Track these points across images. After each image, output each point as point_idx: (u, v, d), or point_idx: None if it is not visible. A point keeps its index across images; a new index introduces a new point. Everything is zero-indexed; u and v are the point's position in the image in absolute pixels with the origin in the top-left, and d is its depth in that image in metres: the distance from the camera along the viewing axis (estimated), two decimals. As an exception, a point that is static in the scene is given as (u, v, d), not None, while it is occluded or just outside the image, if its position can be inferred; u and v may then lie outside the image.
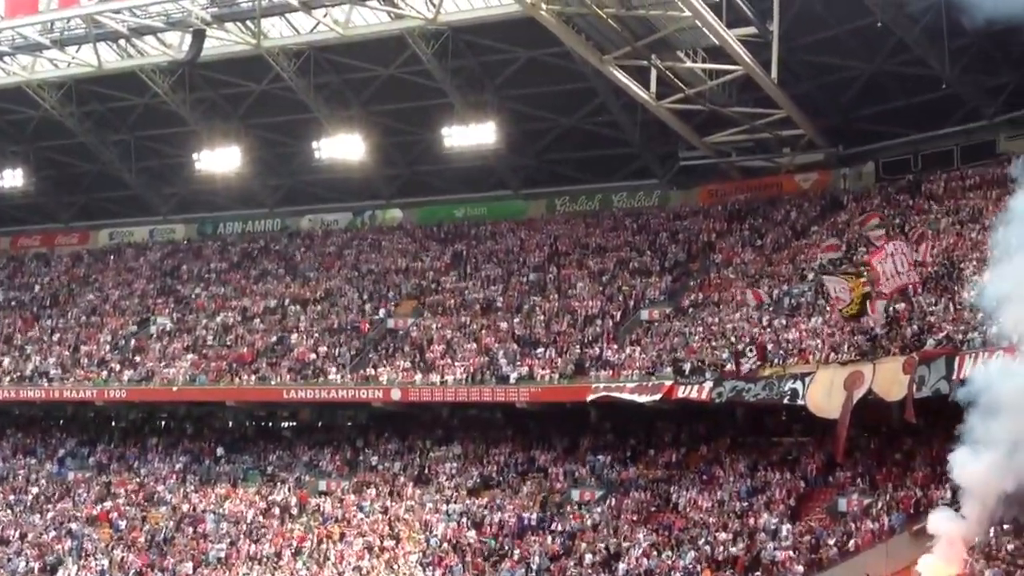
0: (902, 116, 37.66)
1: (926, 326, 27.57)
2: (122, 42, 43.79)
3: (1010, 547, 21.83)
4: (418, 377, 38.37)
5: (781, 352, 30.83)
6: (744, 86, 36.66)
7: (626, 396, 33.62)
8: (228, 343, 43.86)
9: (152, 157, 51.24)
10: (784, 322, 32.65)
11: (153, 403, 44.39)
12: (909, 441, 29.14)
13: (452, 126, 42.92)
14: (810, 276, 34.37)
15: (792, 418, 32.39)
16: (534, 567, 31.82)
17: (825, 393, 27.92)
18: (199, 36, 40.00)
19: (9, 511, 42.31)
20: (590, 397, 34.44)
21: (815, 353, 29.70)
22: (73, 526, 40.24)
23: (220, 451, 42.81)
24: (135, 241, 53.94)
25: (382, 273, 45.71)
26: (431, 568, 33.45)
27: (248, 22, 40.84)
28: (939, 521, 23.31)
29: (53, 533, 40.21)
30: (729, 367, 31.60)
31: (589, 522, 32.94)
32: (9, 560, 39.30)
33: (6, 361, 46.82)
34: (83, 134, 49.37)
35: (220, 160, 46.77)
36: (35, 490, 43.23)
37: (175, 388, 42.19)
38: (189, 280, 49.38)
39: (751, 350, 31.41)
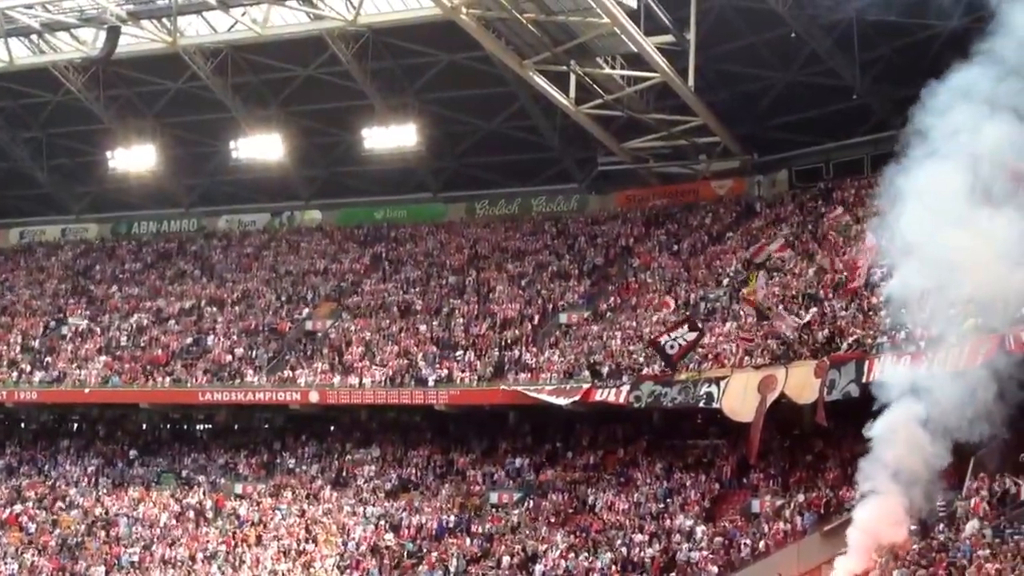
0: (815, 125, 38.57)
1: (836, 331, 28.28)
2: (34, 37, 42.80)
3: (916, 548, 22.48)
4: (337, 379, 38.22)
5: (696, 357, 31.36)
6: (662, 93, 37.21)
7: (544, 399, 33.91)
8: (142, 344, 43.17)
9: (64, 155, 50.16)
10: (699, 326, 33.16)
11: (65, 405, 43.50)
12: (820, 443, 29.85)
13: (372, 128, 42.79)
14: (725, 281, 35.04)
15: (708, 421, 32.98)
16: (452, 569, 31.93)
17: (740, 397, 28.49)
18: (114, 33, 39.35)
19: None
20: (507, 399, 34.66)
21: (730, 357, 30.26)
22: (-19, 530, 39.28)
23: (133, 454, 42.11)
24: (47, 240, 52.68)
25: (300, 275, 45.40)
26: (349, 571, 33.36)
27: (164, 20, 40.21)
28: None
29: (-40, 537, 39.19)
30: (646, 370, 32.06)
31: (507, 524, 33.15)
32: (-86, 565, 38.23)
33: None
34: (-7, 131, 48.23)
35: (134, 159, 45.99)
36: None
37: (87, 390, 41.41)
38: (103, 280, 48.43)
39: (651, 351, 31.84)
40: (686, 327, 31.15)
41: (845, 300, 29.28)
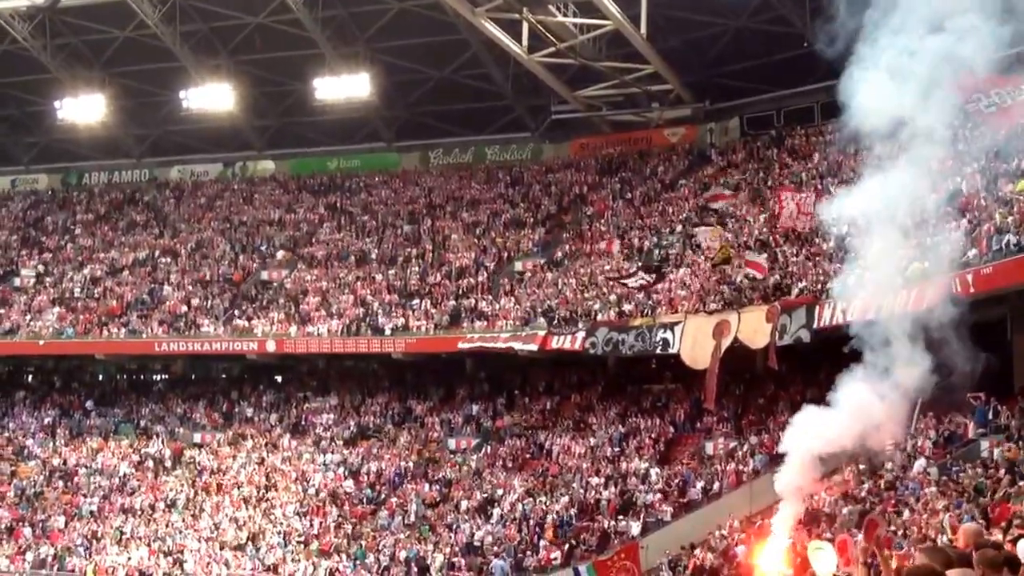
0: (766, 73, 38.92)
1: (788, 276, 28.89)
2: (-24, -16, 41.96)
3: (865, 486, 23.24)
4: (293, 329, 38.35)
5: (650, 303, 31.89)
6: (614, 41, 37.33)
7: (501, 346, 34.32)
8: (96, 296, 42.93)
9: (12, 105, 49.30)
10: (652, 275, 33.66)
11: (19, 356, 43.25)
12: (771, 386, 30.60)
13: (324, 77, 42.52)
14: (678, 228, 35.52)
15: (662, 366, 33.61)
16: (412, 514, 32.47)
17: (695, 343, 29.05)
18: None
19: None
20: (464, 346, 35.02)
21: (683, 303, 30.81)
22: (-63, 483, 39.17)
23: (90, 404, 42.09)
24: (-5, 191, 51.98)
25: (255, 225, 45.24)
26: (309, 517, 33.79)
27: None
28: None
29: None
30: (601, 316, 32.55)
31: (465, 470, 33.70)
32: None
33: None
34: (-64, 80, 47.23)
35: (83, 109, 45.32)
36: None
37: (42, 342, 41.19)
38: (54, 232, 47.93)
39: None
40: (640, 273, 31.65)
41: (796, 246, 29.87)
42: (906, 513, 21.08)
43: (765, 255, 30.05)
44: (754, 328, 27.78)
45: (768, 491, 26.35)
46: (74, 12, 42.88)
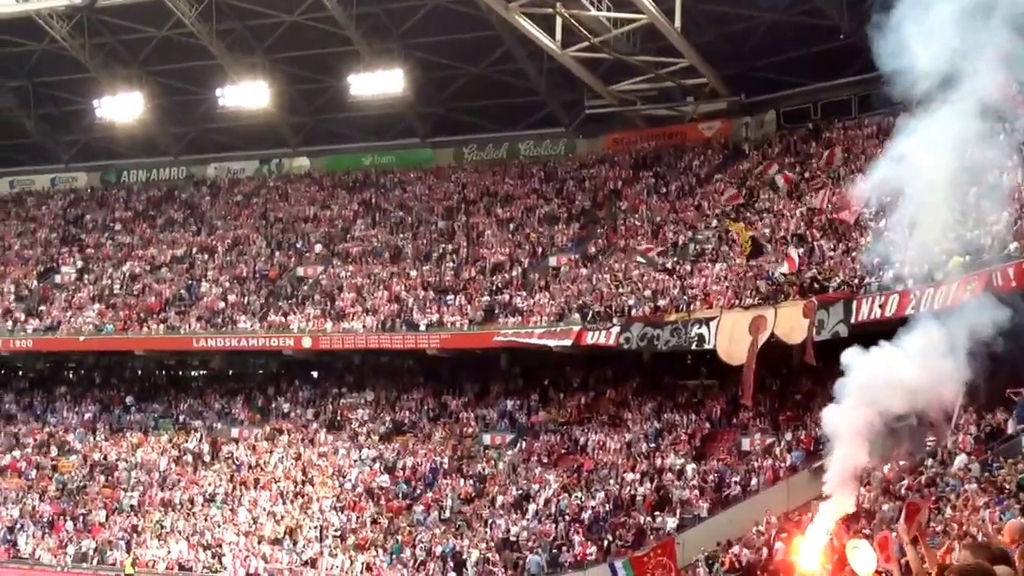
0: (802, 65, 38.61)
1: (825, 270, 28.67)
2: (17, -15, 42.51)
3: (904, 482, 23.02)
4: (329, 325, 38.54)
5: (685, 298, 31.77)
6: (648, 35, 37.15)
7: (535, 342, 34.32)
8: (135, 292, 43.39)
9: (51, 104, 49.96)
10: (688, 268, 33.59)
11: (60, 353, 43.81)
12: (808, 382, 30.38)
13: (358, 74, 42.66)
14: (714, 223, 35.34)
15: (698, 361, 33.48)
16: (447, 510, 32.56)
17: (731, 338, 28.86)
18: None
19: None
20: (498, 341, 35.03)
21: (719, 298, 30.66)
22: (-19, 476, 39.83)
23: (130, 400, 42.59)
24: (36, 189, 52.57)
25: (290, 221, 45.51)
26: (344, 512, 33.98)
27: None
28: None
29: (-39, 484, 39.75)
30: (635, 312, 32.46)
31: (500, 465, 33.75)
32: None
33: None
34: (-22, 80, 47.94)
35: (121, 107, 45.81)
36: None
37: (82, 338, 41.67)
38: (94, 229, 48.50)
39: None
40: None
41: (833, 241, 29.63)
42: (948, 510, 20.88)
43: (801, 248, 29.86)
44: (791, 323, 27.57)
45: (806, 487, 26.34)
46: (112, 11, 43.31)
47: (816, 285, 28.31)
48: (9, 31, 45.23)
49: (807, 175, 35.00)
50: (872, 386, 13.53)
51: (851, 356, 13.93)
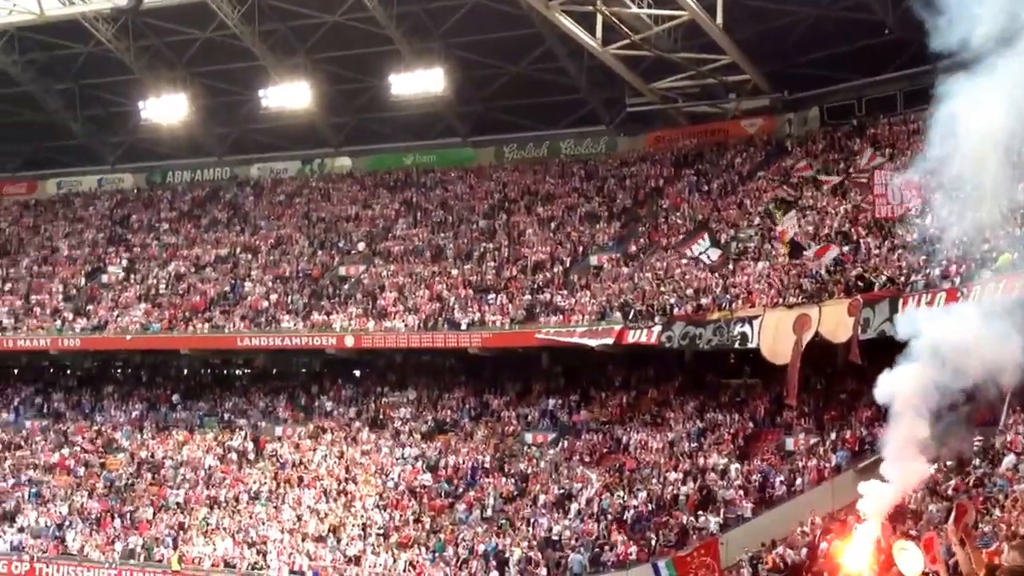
0: (846, 61, 38.26)
1: (871, 268, 28.38)
2: (64, -12, 43.13)
3: (952, 482, 22.74)
4: (371, 324, 38.73)
5: (728, 296, 31.58)
6: (689, 31, 36.97)
7: (576, 341, 34.27)
8: (180, 292, 43.86)
9: (97, 106, 50.61)
10: (731, 266, 33.38)
11: (107, 351, 44.41)
12: (854, 381, 30.08)
13: (399, 73, 42.83)
14: (756, 221, 35.10)
15: (741, 360, 33.27)
16: (489, 508, 32.61)
17: (775, 337, 28.63)
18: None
19: (-34, 461, 42.39)
20: (540, 340, 34.99)
21: (762, 296, 30.44)
22: (31, 474, 40.47)
23: (176, 398, 43.07)
24: (83, 191, 53.30)
25: (333, 221, 45.79)
26: (387, 510, 34.14)
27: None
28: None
29: (12, 481, 40.41)
30: (678, 310, 32.31)
31: (542, 464, 33.74)
32: (-32, 509, 39.50)
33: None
34: (27, 82, 48.58)
35: (166, 109, 46.32)
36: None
37: (128, 337, 42.19)
38: (140, 229, 49.09)
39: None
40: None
41: (879, 238, 29.31)
42: (996, 511, 20.61)
43: (847, 246, 29.58)
44: (836, 322, 27.29)
45: (850, 487, 26.04)
46: (156, 14, 43.81)
47: (861, 283, 28.02)
48: (56, 34, 45.92)
49: (851, 171, 34.64)
50: (941, 346, 12.81)
51: (919, 317, 13.28)
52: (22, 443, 42.69)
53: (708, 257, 31.82)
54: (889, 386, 12.67)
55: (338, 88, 46.40)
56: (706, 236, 32.05)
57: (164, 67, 46.66)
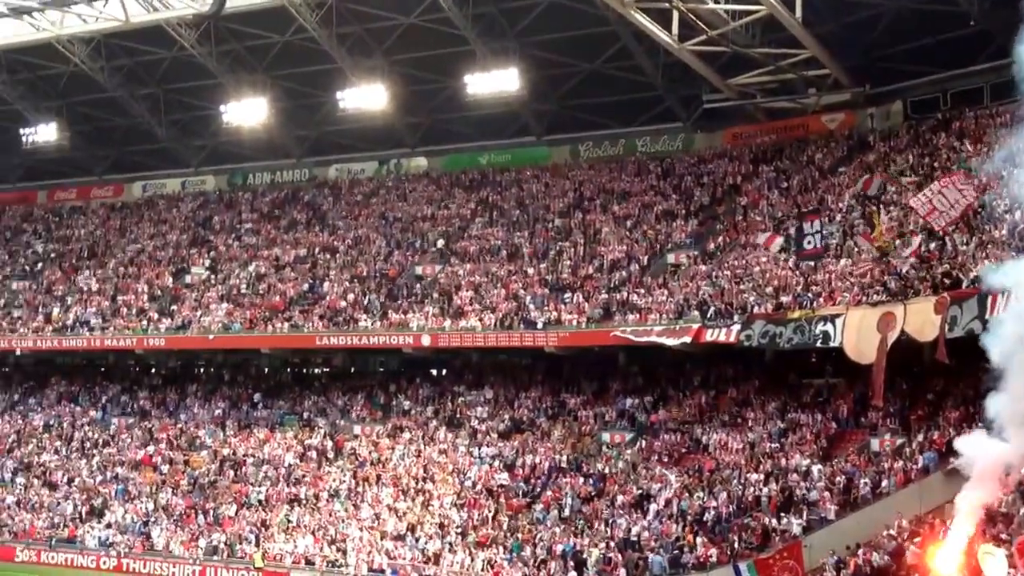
0: (930, 54, 37.38)
1: (958, 265, 27.69)
2: (147, -5, 44.08)
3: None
4: (447, 323, 38.88)
5: (809, 295, 31.07)
6: (767, 26, 36.44)
7: (653, 340, 34.00)
8: (261, 292, 44.51)
9: (181, 110, 51.64)
10: (812, 264, 32.82)
11: (191, 351, 45.24)
12: (941, 381, 29.40)
13: (474, 73, 42.96)
14: (838, 217, 34.47)
15: (822, 359, 32.71)
16: (567, 508, 32.51)
17: (859, 336, 28.04)
18: (223, -12, 40.21)
19: (56, 457, 43.57)
20: (617, 337, 34.75)
21: (844, 295, 29.88)
22: (119, 470, 41.47)
23: (257, 397, 43.72)
24: (167, 193, 54.56)
25: (409, 221, 46.09)
26: (465, 509, 34.23)
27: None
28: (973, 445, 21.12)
29: (99, 477, 41.43)
30: (757, 309, 31.88)
31: (619, 464, 33.54)
32: (58, 504, 40.63)
33: (53, 311, 47.68)
34: (113, 88, 49.75)
35: (247, 112, 47.14)
36: (80, 436, 44.44)
37: (211, 336, 42.93)
38: (221, 231, 49.98)
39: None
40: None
41: (966, 235, 28.57)
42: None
43: (932, 244, 28.90)
44: (921, 320, 26.62)
45: (938, 490, 25.49)
46: (237, 19, 44.56)
47: (948, 281, 27.35)
48: (141, 40, 46.96)
49: (937, 166, 33.85)
50: None
51: None
52: (109, 440, 43.76)
53: (813, 242, 31.15)
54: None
55: (414, 89, 46.68)
56: (792, 231, 31.47)
57: (244, 71, 47.43)
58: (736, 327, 31.73)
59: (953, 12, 35.39)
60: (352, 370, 44.42)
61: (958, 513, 14.63)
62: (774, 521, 27.98)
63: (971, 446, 19.61)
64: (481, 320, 38.33)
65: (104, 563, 37.60)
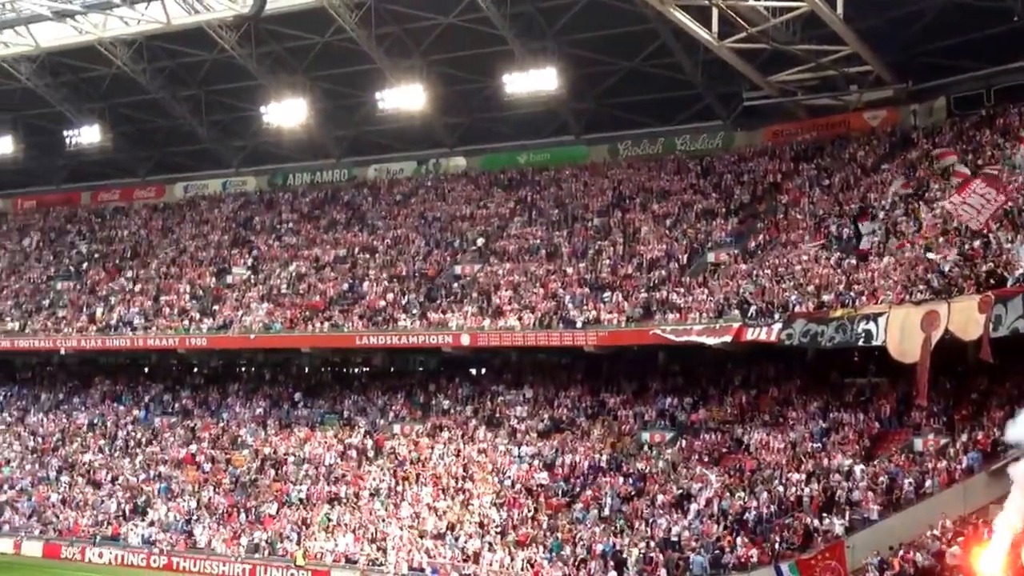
0: (973, 49, 36.92)
1: (1002, 263, 27.32)
2: (189, -3, 44.48)
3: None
4: (486, 322, 38.91)
5: (851, 293, 30.79)
6: (808, 22, 36.10)
7: (694, 339, 33.83)
8: (301, 291, 44.80)
9: (222, 111, 52.06)
10: (854, 262, 32.54)
11: (232, 350, 45.63)
12: (984, 380, 29.03)
13: (512, 73, 42.95)
14: (880, 215, 34.15)
15: (865, 358, 32.39)
16: (606, 508, 32.44)
17: (903, 335, 27.73)
18: (263, -10, 40.48)
19: (100, 455, 44.15)
20: (657, 336, 34.63)
21: (887, 293, 29.58)
22: (161, 469, 41.94)
23: (298, 396, 44.02)
24: (209, 194, 55.06)
25: (448, 220, 46.18)
26: (505, 508, 34.25)
27: (310, -26, 41.16)
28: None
29: (143, 476, 41.92)
30: (799, 308, 31.63)
31: (660, 464, 33.42)
32: (102, 502, 41.13)
33: (97, 311, 48.27)
34: (155, 90, 50.26)
35: (287, 113, 47.41)
36: (123, 435, 44.98)
37: (252, 336, 43.27)
38: (262, 231, 50.36)
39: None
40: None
41: (1010, 232, 28.19)
42: None
43: (976, 241, 28.53)
44: (965, 319, 26.27)
45: (982, 490, 25.19)
46: (277, 20, 44.82)
47: (992, 280, 26.99)
48: (182, 42, 47.35)
49: (981, 163, 33.42)
50: None
51: None
52: (152, 439, 44.25)
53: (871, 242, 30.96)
54: None
55: (452, 89, 46.75)
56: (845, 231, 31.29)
57: (284, 72, 47.73)
58: (777, 326, 31.51)
59: (997, 8, 34.94)
60: (392, 369, 44.61)
61: (1004, 512, 14.45)
62: (816, 521, 27.78)
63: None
64: (520, 319, 38.33)
65: (155, 561, 37.94)
